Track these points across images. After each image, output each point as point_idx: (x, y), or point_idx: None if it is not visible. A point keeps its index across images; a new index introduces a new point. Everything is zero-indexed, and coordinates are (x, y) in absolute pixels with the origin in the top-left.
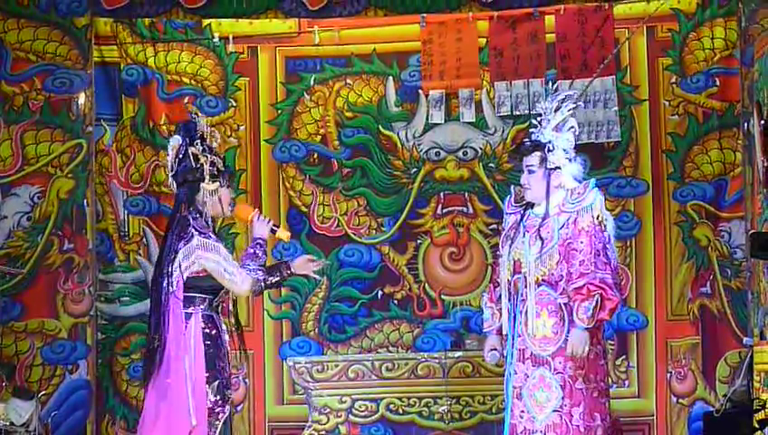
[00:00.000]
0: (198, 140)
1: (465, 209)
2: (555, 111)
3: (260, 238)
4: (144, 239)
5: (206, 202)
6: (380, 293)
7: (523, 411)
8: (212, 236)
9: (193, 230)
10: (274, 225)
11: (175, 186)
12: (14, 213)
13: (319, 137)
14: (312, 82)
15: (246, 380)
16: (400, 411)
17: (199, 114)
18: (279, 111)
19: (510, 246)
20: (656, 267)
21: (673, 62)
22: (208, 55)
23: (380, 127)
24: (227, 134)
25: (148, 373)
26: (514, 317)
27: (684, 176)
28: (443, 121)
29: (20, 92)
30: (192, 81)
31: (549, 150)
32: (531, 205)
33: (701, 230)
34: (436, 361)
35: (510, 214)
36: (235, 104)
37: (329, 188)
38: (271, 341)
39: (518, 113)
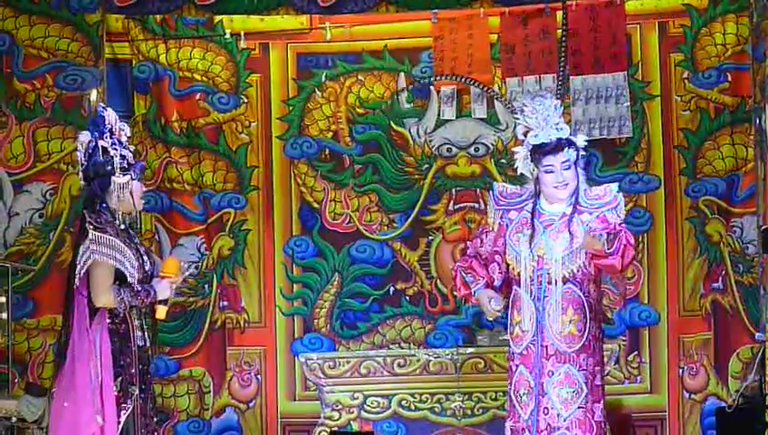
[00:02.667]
0: (108, 134)
1: (476, 205)
2: (555, 109)
3: (154, 290)
4: (156, 236)
5: (117, 197)
6: (392, 289)
7: (546, 408)
8: (110, 230)
9: (88, 226)
10: (164, 301)
11: (83, 182)
12: (26, 210)
13: (330, 133)
14: (323, 79)
15: (258, 376)
16: (412, 408)
17: (107, 107)
18: (290, 108)
19: (530, 243)
20: (668, 263)
21: (685, 57)
22: (220, 52)
23: (392, 123)
24: (239, 131)
25: (56, 369)
26: (537, 313)
27: (696, 171)
28: (454, 117)
29: (32, 89)
30: (204, 77)
31: (575, 144)
32: (535, 199)
33: (713, 226)
34: (448, 357)
35: (507, 210)
36: (246, 101)
37: (340, 184)
38: (283, 337)
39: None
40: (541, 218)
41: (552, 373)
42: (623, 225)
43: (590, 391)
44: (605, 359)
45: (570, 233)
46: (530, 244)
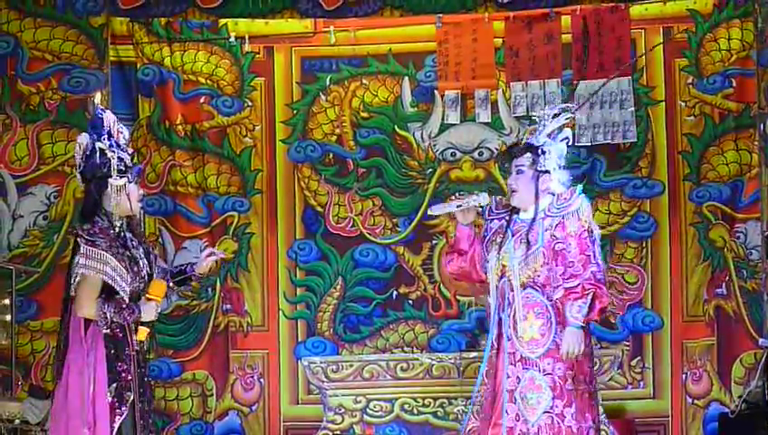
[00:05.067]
0: (105, 136)
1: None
2: (553, 117)
3: (140, 310)
4: (160, 239)
5: (112, 199)
6: (395, 293)
7: (517, 414)
8: (102, 242)
9: (79, 239)
10: (144, 324)
11: (82, 184)
12: (30, 212)
13: (334, 137)
14: (327, 83)
15: (261, 379)
16: (415, 412)
17: (106, 109)
18: (295, 112)
19: (498, 252)
20: (671, 268)
21: (689, 63)
22: (224, 55)
23: (396, 127)
24: (243, 134)
25: (56, 376)
26: (501, 321)
27: (700, 177)
28: (458, 122)
29: (36, 92)
30: (208, 80)
31: (541, 153)
32: (516, 211)
33: (717, 231)
34: (451, 361)
35: (491, 220)
36: (250, 104)
37: (344, 188)
38: (286, 341)
39: (534, 114)
40: (513, 226)
41: (519, 380)
42: (593, 270)
43: (558, 396)
44: (596, 362)
45: (527, 242)
46: (498, 252)
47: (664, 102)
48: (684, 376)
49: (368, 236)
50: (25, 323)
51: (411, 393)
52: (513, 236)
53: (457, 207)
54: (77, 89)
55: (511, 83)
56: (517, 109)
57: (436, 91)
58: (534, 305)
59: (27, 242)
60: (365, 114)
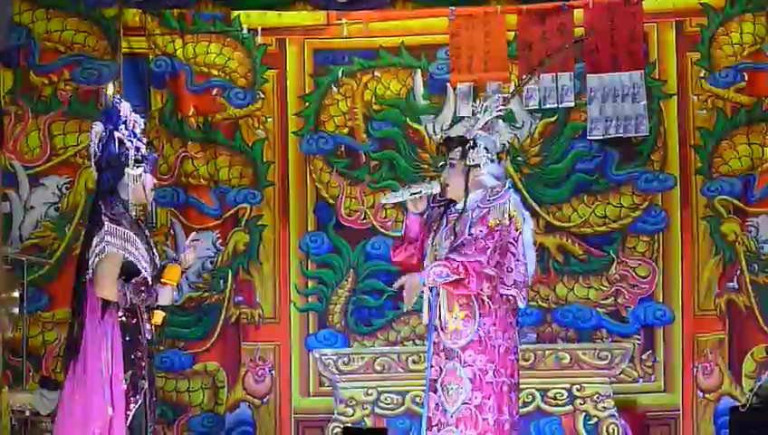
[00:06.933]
0: (122, 125)
1: None
2: (485, 111)
3: (157, 293)
4: (172, 230)
5: (129, 188)
6: None
7: (437, 404)
8: (125, 223)
9: (104, 217)
10: (159, 308)
11: (96, 173)
12: (41, 203)
13: (347, 129)
14: (340, 75)
15: (273, 371)
16: None
17: (121, 99)
18: (307, 104)
19: (432, 238)
20: (683, 262)
21: (701, 56)
22: (237, 47)
23: (408, 120)
24: (255, 126)
25: (67, 360)
26: (431, 310)
27: (712, 170)
28: (471, 115)
29: (48, 83)
30: (220, 72)
31: (471, 147)
32: (453, 200)
33: (728, 225)
34: None
35: (433, 207)
36: (263, 96)
37: (356, 180)
38: (297, 333)
39: (546, 107)
40: (449, 215)
41: (441, 370)
42: (479, 259)
43: (477, 388)
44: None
45: (454, 233)
46: (432, 240)
47: (676, 96)
48: (695, 370)
49: (379, 228)
50: (37, 314)
51: (422, 386)
52: (446, 225)
53: (410, 194)
54: (89, 80)
55: (523, 77)
56: (529, 102)
57: (448, 84)
58: (459, 297)
59: (39, 233)
60: (377, 107)
